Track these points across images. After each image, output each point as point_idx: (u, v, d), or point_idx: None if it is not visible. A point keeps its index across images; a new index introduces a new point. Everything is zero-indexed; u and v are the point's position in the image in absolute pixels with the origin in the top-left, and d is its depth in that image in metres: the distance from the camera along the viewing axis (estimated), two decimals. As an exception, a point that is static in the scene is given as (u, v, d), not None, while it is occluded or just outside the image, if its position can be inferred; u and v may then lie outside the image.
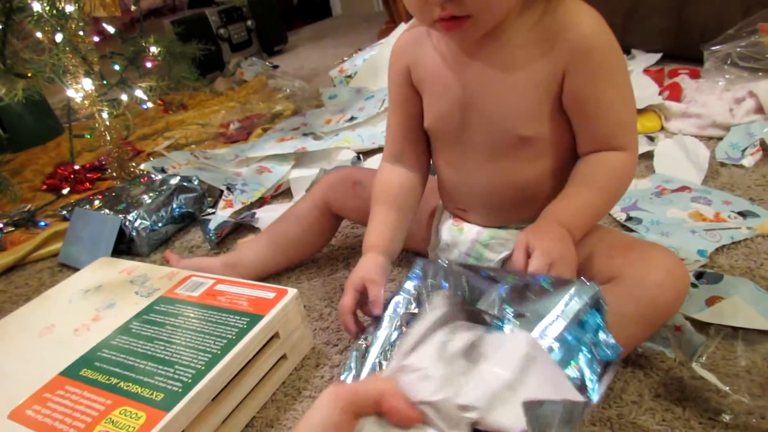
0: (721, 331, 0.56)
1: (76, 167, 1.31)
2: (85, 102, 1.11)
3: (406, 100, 0.64)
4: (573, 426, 0.30)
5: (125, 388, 0.54)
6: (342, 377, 0.38)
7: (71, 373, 0.57)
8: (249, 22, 2.44)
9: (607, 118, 0.55)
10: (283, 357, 0.63)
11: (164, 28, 2.09)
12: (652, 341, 0.55)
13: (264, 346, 0.60)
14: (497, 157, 0.59)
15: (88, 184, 1.31)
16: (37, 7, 0.86)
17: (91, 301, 0.70)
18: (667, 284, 0.50)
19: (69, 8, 0.94)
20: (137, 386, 0.54)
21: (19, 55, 0.89)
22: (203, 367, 0.54)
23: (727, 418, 0.49)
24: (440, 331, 0.31)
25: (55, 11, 0.89)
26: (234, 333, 0.59)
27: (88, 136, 1.37)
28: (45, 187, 1.31)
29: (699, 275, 0.65)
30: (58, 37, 0.91)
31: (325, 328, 0.70)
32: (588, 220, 0.54)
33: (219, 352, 0.56)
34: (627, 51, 1.50)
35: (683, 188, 0.84)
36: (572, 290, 0.36)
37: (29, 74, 0.97)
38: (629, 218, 0.79)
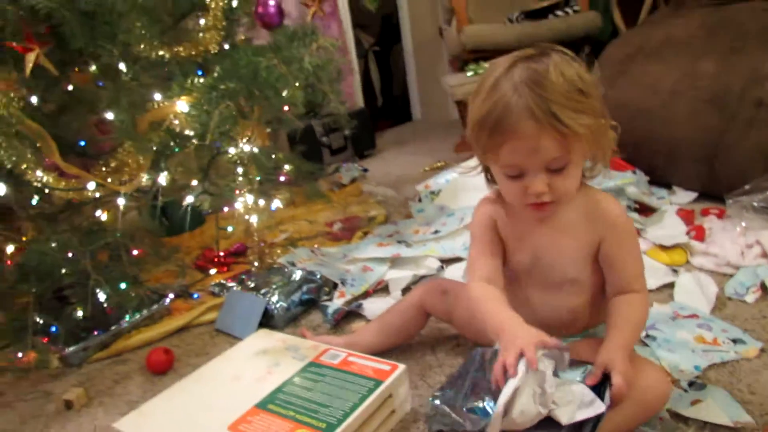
0: (696, 423, 0.82)
1: (221, 253, 1.70)
2: (241, 210, 1.50)
3: (495, 240, 0.91)
4: None
5: (300, 418, 0.85)
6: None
7: (262, 405, 0.90)
8: (346, 132, 2.89)
9: (628, 270, 0.85)
10: (393, 411, 0.93)
11: (281, 137, 2.55)
12: (646, 426, 0.82)
13: (382, 402, 0.91)
14: (552, 291, 0.90)
15: (226, 268, 1.69)
16: (232, 151, 1.26)
17: (262, 361, 1.04)
18: (654, 389, 0.78)
19: (246, 149, 1.34)
20: (307, 417, 0.85)
21: (213, 179, 1.30)
22: (348, 410, 0.85)
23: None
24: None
25: (240, 153, 1.29)
26: (366, 390, 0.89)
27: (230, 229, 1.76)
28: (195, 266, 1.70)
29: (691, 384, 0.91)
30: (240, 170, 1.32)
31: (419, 395, 1.00)
32: (632, 345, 0.82)
33: (357, 401, 0.87)
34: (668, 187, 1.79)
35: (693, 315, 1.10)
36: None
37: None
38: (647, 335, 1.06)
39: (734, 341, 1.01)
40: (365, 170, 2.67)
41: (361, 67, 4.18)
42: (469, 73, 2.53)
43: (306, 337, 1.17)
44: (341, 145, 2.87)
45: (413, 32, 4.07)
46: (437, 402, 0.82)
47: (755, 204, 1.38)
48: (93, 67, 1.40)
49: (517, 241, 0.91)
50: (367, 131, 3.04)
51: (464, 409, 0.78)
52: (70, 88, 1.43)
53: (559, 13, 2.75)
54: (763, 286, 1.17)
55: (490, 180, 0.90)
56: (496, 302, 0.85)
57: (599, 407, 0.71)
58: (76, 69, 1.43)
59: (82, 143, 1.40)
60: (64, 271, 1.23)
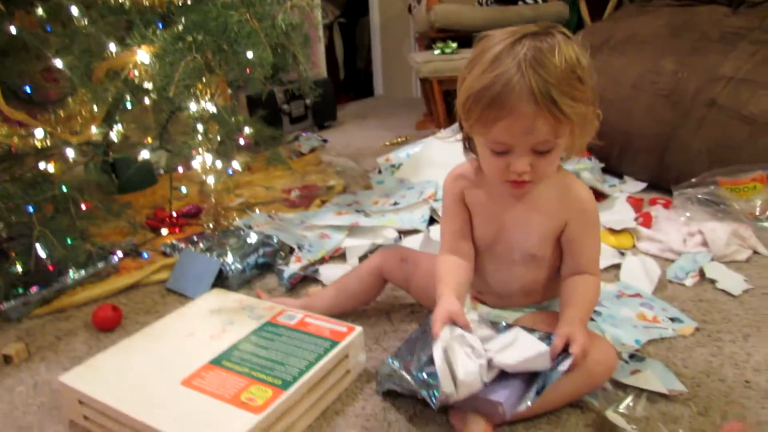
0: (634, 391, 0.87)
1: (174, 213, 1.66)
2: (199, 169, 1.46)
3: (461, 212, 0.94)
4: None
5: (255, 374, 0.85)
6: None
7: (216, 362, 0.89)
8: (307, 100, 2.86)
9: (586, 254, 0.89)
10: (348, 372, 0.94)
11: (241, 101, 2.50)
12: (588, 395, 0.86)
13: (338, 362, 0.92)
14: (514, 265, 0.92)
15: (178, 229, 1.66)
16: (194, 107, 1.23)
17: (217, 319, 1.03)
18: (602, 361, 0.82)
19: (211, 108, 1.30)
20: (263, 374, 0.85)
21: (171, 135, 1.26)
22: (304, 368, 0.86)
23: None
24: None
25: (202, 111, 1.26)
26: (322, 350, 0.90)
27: (184, 190, 1.72)
28: (146, 226, 1.65)
29: (632, 356, 0.96)
30: (200, 127, 1.28)
31: (373, 358, 1.01)
32: (587, 321, 0.86)
33: (313, 360, 0.88)
34: (620, 176, 1.86)
35: (636, 295, 1.16)
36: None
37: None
38: (594, 311, 1.11)
39: (672, 320, 1.07)
40: (325, 141, 2.65)
41: (325, 40, 4.12)
42: (437, 52, 2.53)
43: (261, 298, 1.16)
44: (301, 114, 2.84)
45: (381, 7, 4.03)
46: (396, 365, 0.84)
47: (699, 196, 1.45)
48: (40, 11, 1.33)
49: (484, 215, 0.93)
50: (328, 102, 3.01)
51: (418, 373, 0.81)
52: (14, 31, 1.35)
53: (529, 1, 2.79)
54: (701, 271, 1.24)
55: (468, 148, 0.90)
56: (447, 275, 0.90)
57: (541, 346, 0.77)
58: (21, 11, 1.35)
59: (27, 89, 1.32)
60: (4, 222, 1.17)
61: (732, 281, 1.19)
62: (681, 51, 1.74)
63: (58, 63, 1.26)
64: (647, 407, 0.84)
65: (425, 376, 0.80)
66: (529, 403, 0.75)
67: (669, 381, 0.89)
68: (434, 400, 0.77)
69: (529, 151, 0.78)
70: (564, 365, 0.76)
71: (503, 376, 0.79)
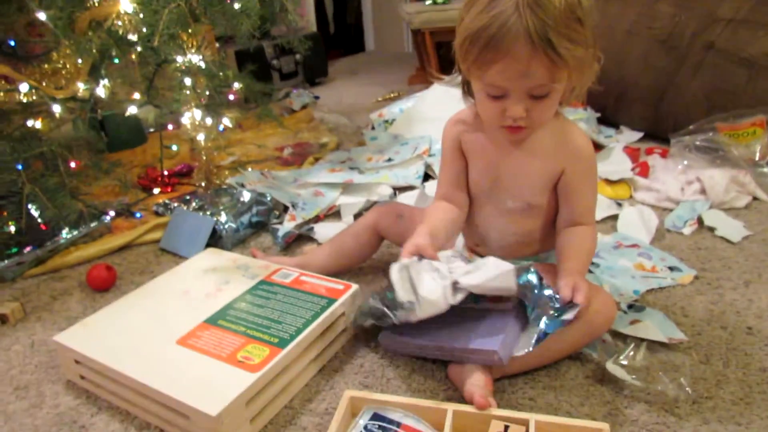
0: (634, 341, 0.87)
1: (165, 172, 1.63)
2: (188, 126, 1.43)
3: (457, 159, 0.93)
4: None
5: (251, 333, 0.84)
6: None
7: (212, 321, 0.88)
8: (297, 56, 2.78)
9: (582, 203, 0.87)
10: (345, 329, 0.93)
11: (230, 57, 2.43)
12: (588, 347, 0.86)
13: (335, 320, 0.91)
14: (510, 214, 0.91)
15: (170, 188, 1.63)
16: (180, 59, 1.18)
17: (212, 278, 1.01)
18: (601, 312, 0.81)
19: (195, 59, 1.26)
20: (259, 333, 0.84)
21: (159, 90, 1.21)
22: (301, 326, 0.85)
23: (626, 392, 0.79)
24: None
25: (189, 63, 1.21)
26: (319, 308, 0.89)
27: (175, 148, 1.69)
28: (138, 185, 1.62)
29: (630, 306, 0.96)
30: (187, 81, 1.24)
31: (371, 314, 1.01)
32: (585, 272, 0.84)
33: (310, 318, 0.87)
34: (616, 126, 1.83)
35: (634, 245, 1.15)
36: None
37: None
38: (592, 262, 1.10)
39: (671, 269, 1.07)
40: (317, 97, 2.60)
41: (314, -8, 3.99)
42: (428, 2, 2.45)
43: (256, 257, 1.15)
44: (292, 70, 2.77)
45: (371, -44, 3.90)
46: (373, 302, 0.84)
47: (697, 143, 1.43)
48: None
49: (481, 161, 0.91)
50: (319, 57, 2.93)
51: (384, 296, 0.82)
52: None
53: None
54: (699, 220, 1.23)
55: (467, 93, 0.88)
56: (430, 216, 0.91)
57: (506, 266, 0.78)
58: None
59: (12, 43, 1.27)
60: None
61: (731, 228, 1.18)
62: (679, -7, 1.69)
63: (42, 16, 1.21)
64: (647, 357, 0.84)
65: (389, 295, 0.81)
66: (529, 348, 0.75)
67: (669, 330, 0.89)
68: (395, 314, 0.79)
69: (525, 96, 0.76)
70: (569, 314, 0.74)
71: (494, 323, 0.79)
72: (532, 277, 0.77)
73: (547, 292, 0.76)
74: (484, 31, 0.72)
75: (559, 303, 0.75)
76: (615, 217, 1.28)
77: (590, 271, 1.07)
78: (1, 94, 1.07)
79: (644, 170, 1.43)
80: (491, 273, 0.77)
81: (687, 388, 0.77)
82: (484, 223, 0.94)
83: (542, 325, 0.75)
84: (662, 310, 0.94)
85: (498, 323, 0.80)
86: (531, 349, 0.75)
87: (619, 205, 1.33)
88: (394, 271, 0.80)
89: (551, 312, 0.75)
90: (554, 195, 0.89)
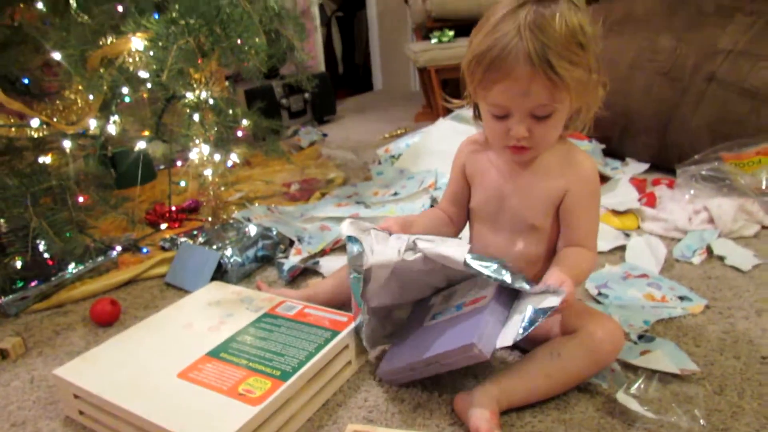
0: (645, 372, 0.84)
1: (173, 208, 1.64)
2: (195, 161, 1.44)
3: (458, 180, 0.97)
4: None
5: (253, 366, 0.83)
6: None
7: (214, 354, 0.87)
8: (306, 94, 2.83)
9: (583, 227, 0.87)
10: (349, 363, 0.92)
11: (239, 95, 2.47)
12: (597, 378, 0.84)
13: (339, 353, 0.89)
14: (513, 236, 0.90)
15: (177, 224, 1.64)
16: (189, 96, 1.20)
17: (215, 311, 1.01)
18: (607, 340, 0.79)
19: (204, 95, 1.28)
20: (261, 365, 0.83)
21: (168, 126, 1.24)
22: (304, 359, 0.84)
23: (639, 424, 0.77)
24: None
25: (197, 99, 1.23)
26: (322, 340, 0.88)
27: (183, 184, 1.70)
28: (145, 221, 1.63)
29: (640, 336, 0.94)
30: (196, 117, 1.26)
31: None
32: (576, 282, 0.83)
33: (313, 350, 0.86)
34: (622, 158, 1.83)
35: (643, 275, 1.13)
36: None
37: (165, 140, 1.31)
38: (600, 293, 1.08)
39: (681, 298, 1.05)
40: (324, 135, 2.63)
41: (323, 35, 4.09)
42: (434, 40, 2.50)
43: (261, 290, 1.14)
44: (300, 108, 2.81)
45: (377, -1, 4.00)
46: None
47: (703, 173, 1.43)
48: (40, 4, 1.31)
49: (486, 182, 0.92)
50: (327, 96, 2.98)
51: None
52: (15, 24, 1.34)
53: (524, -15, 2.75)
54: (709, 249, 1.21)
55: (477, 117, 0.90)
56: (418, 216, 0.99)
57: (458, 242, 0.83)
58: (21, 5, 1.34)
59: (26, 81, 1.31)
60: (1, 215, 1.16)
61: (741, 257, 1.16)
62: (677, 27, 1.71)
63: (56, 55, 1.25)
64: (659, 388, 0.82)
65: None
66: (517, 337, 0.72)
67: (680, 360, 0.86)
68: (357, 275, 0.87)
69: (527, 116, 0.79)
70: (551, 301, 0.72)
71: (470, 321, 0.78)
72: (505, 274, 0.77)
73: (524, 284, 0.76)
74: (488, 52, 0.76)
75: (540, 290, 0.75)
76: (623, 248, 1.27)
77: (598, 302, 1.06)
78: (13, 130, 1.09)
79: (651, 201, 1.42)
80: (447, 251, 0.81)
81: (701, 420, 0.74)
82: (490, 244, 0.94)
83: (527, 313, 0.73)
84: (673, 341, 0.92)
85: (473, 320, 0.78)
86: (518, 337, 0.72)
87: (627, 235, 1.32)
88: (346, 223, 0.90)
89: (534, 298, 0.75)
90: (557, 219, 0.88)
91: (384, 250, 0.85)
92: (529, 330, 0.72)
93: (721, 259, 1.18)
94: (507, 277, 0.76)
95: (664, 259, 1.19)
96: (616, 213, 1.39)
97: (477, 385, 0.80)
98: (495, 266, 0.77)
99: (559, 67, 0.73)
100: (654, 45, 1.73)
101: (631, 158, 1.80)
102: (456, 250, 0.80)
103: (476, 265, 0.78)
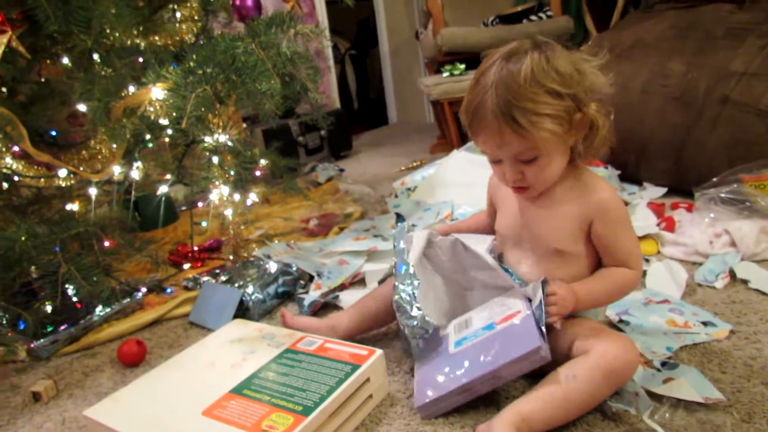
0: (669, 400, 0.83)
1: (195, 248, 1.67)
2: (216, 202, 1.48)
3: (489, 206, 1.07)
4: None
5: (276, 402, 0.84)
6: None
7: (237, 390, 0.88)
8: (322, 132, 2.89)
9: (621, 251, 0.88)
10: (370, 396, 0.92)
11: (257, 136, 2.54)
12: (621, 402, 0.83)
13: (359, 386, 0.90)
14: (539, 258, 0.93)
15: (200, 263, 1.67)
16: (208, 140, 1.25)
17: (237, 348, 1.02)
18: (620, 357, 0.79)
19: (222, 138, 1.32)
20: (284, 401, 0.84)
21: (188, 169, 1.28)
22: (325, 393, 0.85)
23: (665, 453, 0.76)
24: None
25: (216, 143, 1.28)
26: (342, 375, 0.89)
27: (205, 224, 1.74)
28: (169, 261, 1.67)
29: (663, 363, 0.93)
30: (215, 160, 1.30)
31: (396, 380, 0.99)
32: (592, 301, 0.88)
33: (334, 384, 0.86)
34: (639, 183, 1.83)
35: (664, 301, 1.12)
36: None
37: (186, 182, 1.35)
38: (621, 320, 1.07)
39: (705, 324, 1.03)
40: (341, 170, 2.67)
41: (337, 72, 4.19)
42: (445, 74, 2.55)
43: (285, 318, 1.15)
44: (317, 145, 2.87)
45: (390, 35, 4.10)
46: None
47: (722, 195, 1.42)
48: (66, 60, 1.38)
49: (509, 210, 0.97)
50: (343, 132, 3.04)
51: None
52: (43, 79, 1.41)
53: (533, 17, 2.81)
54: (731, 272, 1.20)
55: None
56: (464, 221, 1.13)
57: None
58: (48, 61, 1.41)
59: (53, 133, 1.37)
60: (32, 262, 1.20)
61: (765, 280, 1.15)
62: (688, 51, 1.73)
63: (82, 107, 1.31)
64: (685, 416, 0.81)
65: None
66: (545, 333, 0.82)
67: (705, 389, 0.85)
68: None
69: (514, 161, 0.84)
70: (539, 293, 0.83)
71: (517, 329, 0.85)
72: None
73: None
74: (470, 105, 0.84)
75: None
76: (643, 274, 1.26)
77: (619, 329, 1.05)
78: (42, 180, 1.14)
79: (670, 225, 1.41)
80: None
81: (729, 448, 0.73)
82: (517, 262, 0.97)
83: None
84: (698, 367, 0.91)
85: (522, 330, 0.84)
86: (545, 334, 0.81)
87: (647, 260, 1.31)
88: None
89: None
90: (591, 244, 0.90)
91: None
92: (546, 335, 0.81)
93: (745, 282, 1.16)
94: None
95: (685, 284, 1.18)
96: (635, 238, 1.38)
97: (496, 414, 0.80)
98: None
99: (522, 120, 0.78)
100: (665, 70, 1.75)
101: (649, 183, 1.80)
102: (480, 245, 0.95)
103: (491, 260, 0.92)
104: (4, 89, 1.25)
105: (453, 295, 1.05)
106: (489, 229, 1.07)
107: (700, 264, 1.27)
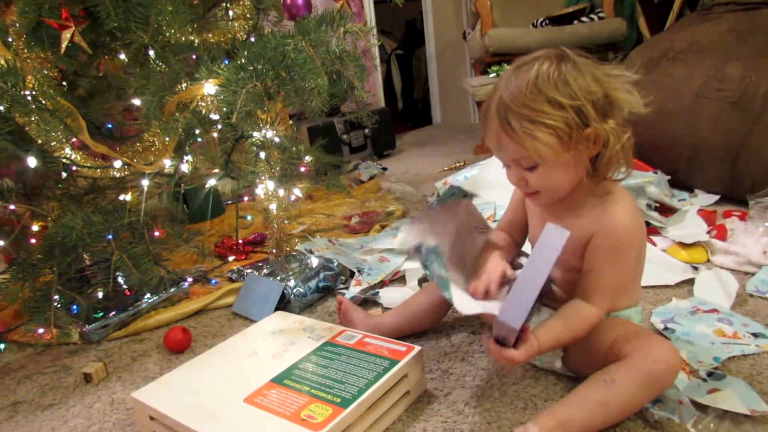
0: (714, 411, 0.81)
1: (240, 241, 1.72)
2: (261, 196, 1.52)
3: (516, 209, 1.03)
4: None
5: (315, 392, 0.86)
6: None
7: (278, 380, 0.90)
8: (366, 130, 2.91)
9: (592, 280, 0.85)
10: (408, 392, 0.93)
11: (302, 132, 2.58)
12: (664, 410, 0.81)
13: (397, 382, 0.91)
14: (564, 271, 0.89)
15: (244, 256, 1.71)
16: (256, 135, 1.28)
17: (279, 339, 1.05)
18: (661, 360, 0.77)
19: (270, 134, 1.36)
20: (323, 392, 0.86)
21: (236, 164, 1.32)
22: (363, 387, 0.86)
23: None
24: None
25: (264, 138, 1.31)
26: (381, 369, 0.90)
27: (250, 218, 1.79)
28: (214, 253, 1.72)
29: (710, 374, 0.90)
30: (262, 155, 1.34)
31: (434, 378, 1.00)
32: (553, 343, 0.83)
33: (372, 379, 0.87)
34: (690, 189, 1.77)
35: (713, 310, 1.09)
36: None
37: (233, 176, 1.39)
38: (666, 328, 1.05)
39: (755, 335, 1.00)
40: (384, 168, 2.69)
41: (383, 72, 4.21)
42: (492, 75, 2.53)
43: (341, 305, 1.17)
44: (361, 144, 2.89)
45: (436, 36, 4.09)
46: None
47: (779, 204, 1.36)
48: (123, 55, 1.44)
49: (536, 217, 0.97)
50: (387, 131, 3.05)
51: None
52: (101, 74, 1.47)
53: (584, 19, 2.75)
54: (785, 284, 1.15)
55: None
56: (491, 243, 1.01)
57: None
58: (107, 56, 1.47)
59: (109, 126, 1.43)
60: (87, 249, 1.26)
61: (821, 293, 1.10)
62: (747, 55, 1.66)
63: (137, 101, 1.37)
64: (731, 428, 0.79)
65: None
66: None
67: (752, 401, 0.82)
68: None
69: (515, 165, 0.84)
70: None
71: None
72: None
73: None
74: (483, 106, 0.85)
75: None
76: (691, 281, 1.22)
77: (665, 337, 1.02)
78: (99, 171, 1.20)
79: (722, 233, 1.37)
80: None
81: (777, 464, 0.70)
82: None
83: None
84: (746, 379, 0.88)
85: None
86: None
87: (695, 268, 1.27)
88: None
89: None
90: None
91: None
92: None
93: (799, 294, 1.12)
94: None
95: (736, 293, 1.14)
96: (684, 245, 1.35)
97: (532, 419, 0.79)
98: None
99: (515, 125, 0.78)
100: (721, 74, 1.69)
101: (700, 189, 1.74)
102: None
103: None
104: (65, 83, 1.30)
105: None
106: (510, 247, 1.02)
107: (753, 274, 1.22)
